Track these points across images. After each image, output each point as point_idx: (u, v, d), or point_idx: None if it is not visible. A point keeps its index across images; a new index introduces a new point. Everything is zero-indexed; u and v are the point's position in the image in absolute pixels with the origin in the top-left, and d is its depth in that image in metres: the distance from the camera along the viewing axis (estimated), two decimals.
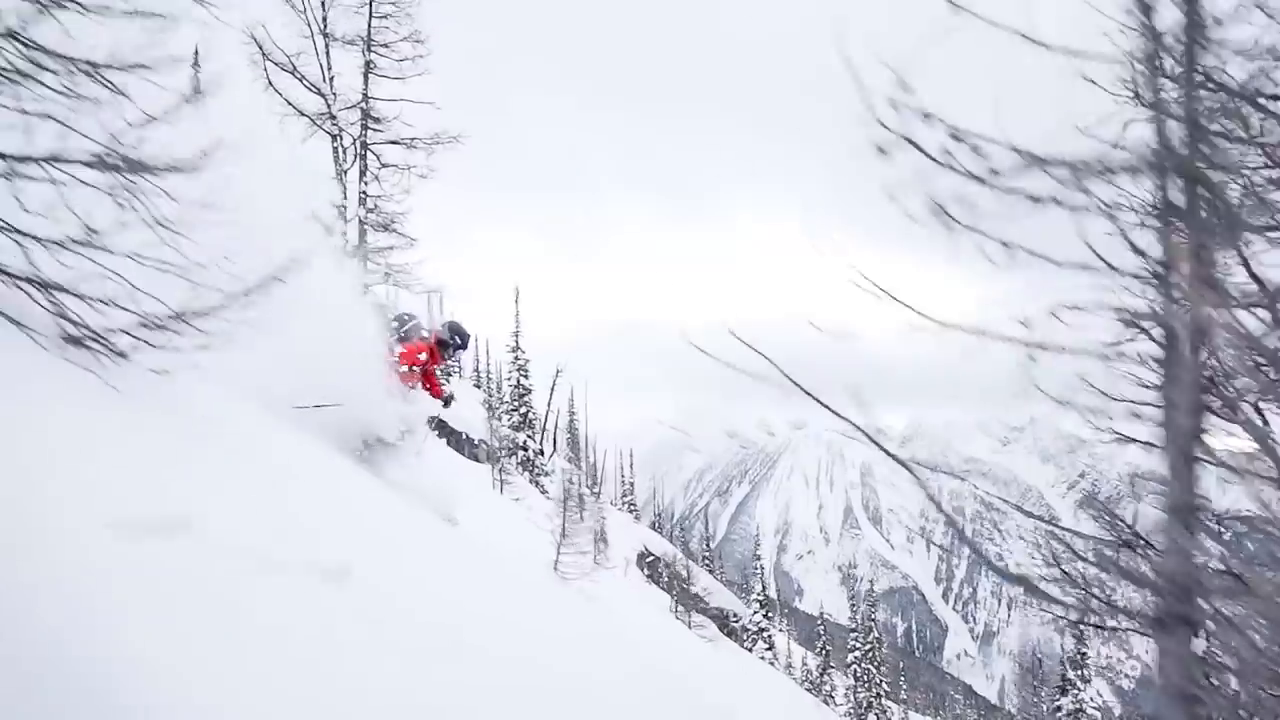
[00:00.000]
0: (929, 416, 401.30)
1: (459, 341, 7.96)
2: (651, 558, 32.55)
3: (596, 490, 36.70)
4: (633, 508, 37.06)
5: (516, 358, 25.93)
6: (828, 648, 38.76)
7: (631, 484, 38.94)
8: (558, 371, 28.01)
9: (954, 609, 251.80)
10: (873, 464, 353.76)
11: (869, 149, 2.05)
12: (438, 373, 8.16)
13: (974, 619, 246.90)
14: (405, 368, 7.26)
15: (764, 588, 33.29)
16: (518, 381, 25.81)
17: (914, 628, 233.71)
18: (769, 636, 29.01)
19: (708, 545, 45.79)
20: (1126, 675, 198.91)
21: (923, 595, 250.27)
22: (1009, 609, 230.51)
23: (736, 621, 31.21)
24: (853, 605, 46.20)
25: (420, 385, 7.61)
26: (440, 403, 7.81)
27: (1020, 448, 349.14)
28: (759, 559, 38.33)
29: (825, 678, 36.23)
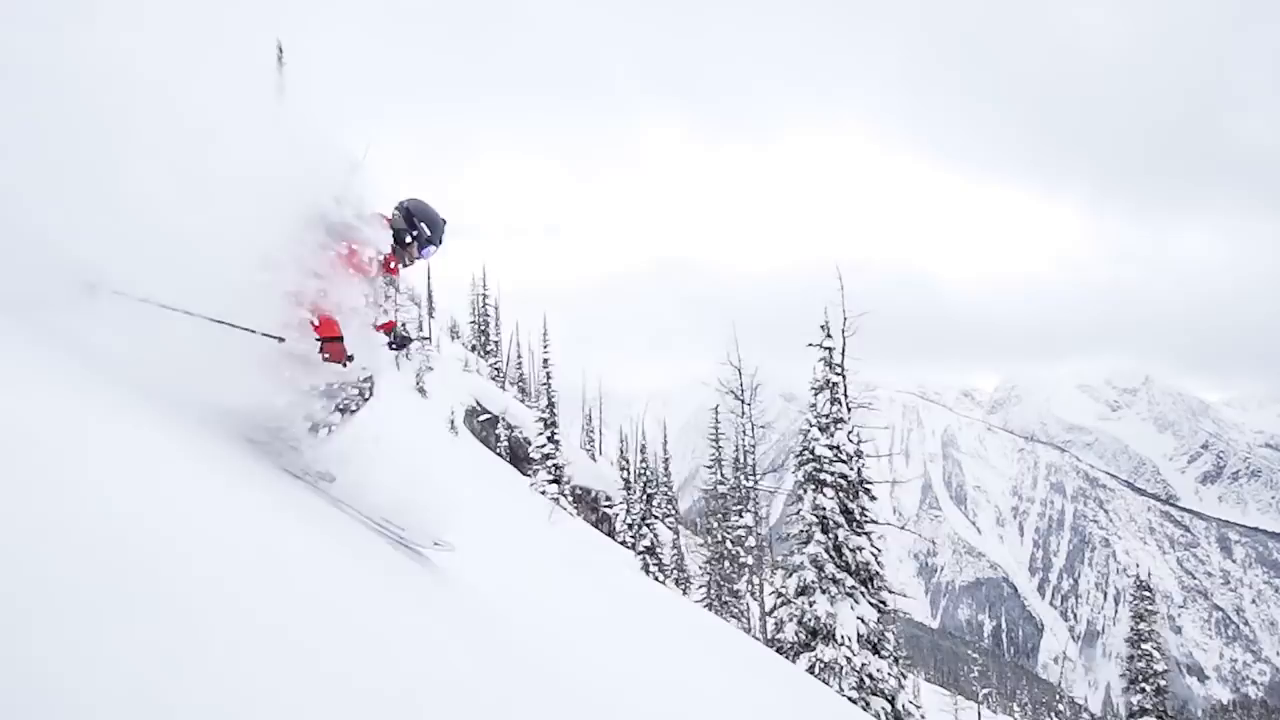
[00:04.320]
0: (1024, 376, 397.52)
1: (426, 232, 5.47)
2: (486, 415, 32.62)
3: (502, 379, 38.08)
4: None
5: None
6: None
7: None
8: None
9: (1051, 604, 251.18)
10: (956, 431, 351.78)
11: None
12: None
13: (1074, 616, 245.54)
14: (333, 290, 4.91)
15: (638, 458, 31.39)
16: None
17: (1004, 625, 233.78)
18: (652, 531, 27.19)
19: (589, 419, 45.16)
20: (1254, 682, 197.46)
21: (1014, 588, 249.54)
22: (1116, 604, 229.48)
23: (609, 507, 30.79)
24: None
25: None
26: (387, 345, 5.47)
27: (1132, 414, 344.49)
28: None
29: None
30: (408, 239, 5.34)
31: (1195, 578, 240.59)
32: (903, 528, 19.68)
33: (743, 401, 24.86)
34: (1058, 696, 43.06)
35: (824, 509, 16.15)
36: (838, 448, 16.70)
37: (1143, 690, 23.20)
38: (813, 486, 16.57)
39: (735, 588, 27.11)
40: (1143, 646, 23.23)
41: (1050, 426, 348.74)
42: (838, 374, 17.53)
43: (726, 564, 26.88)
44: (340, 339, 4.64)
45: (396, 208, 5.39)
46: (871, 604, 16.15)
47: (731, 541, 26.57)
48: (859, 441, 17.85)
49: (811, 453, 16.73)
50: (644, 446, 31.78)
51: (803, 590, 15.96)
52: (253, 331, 4.18)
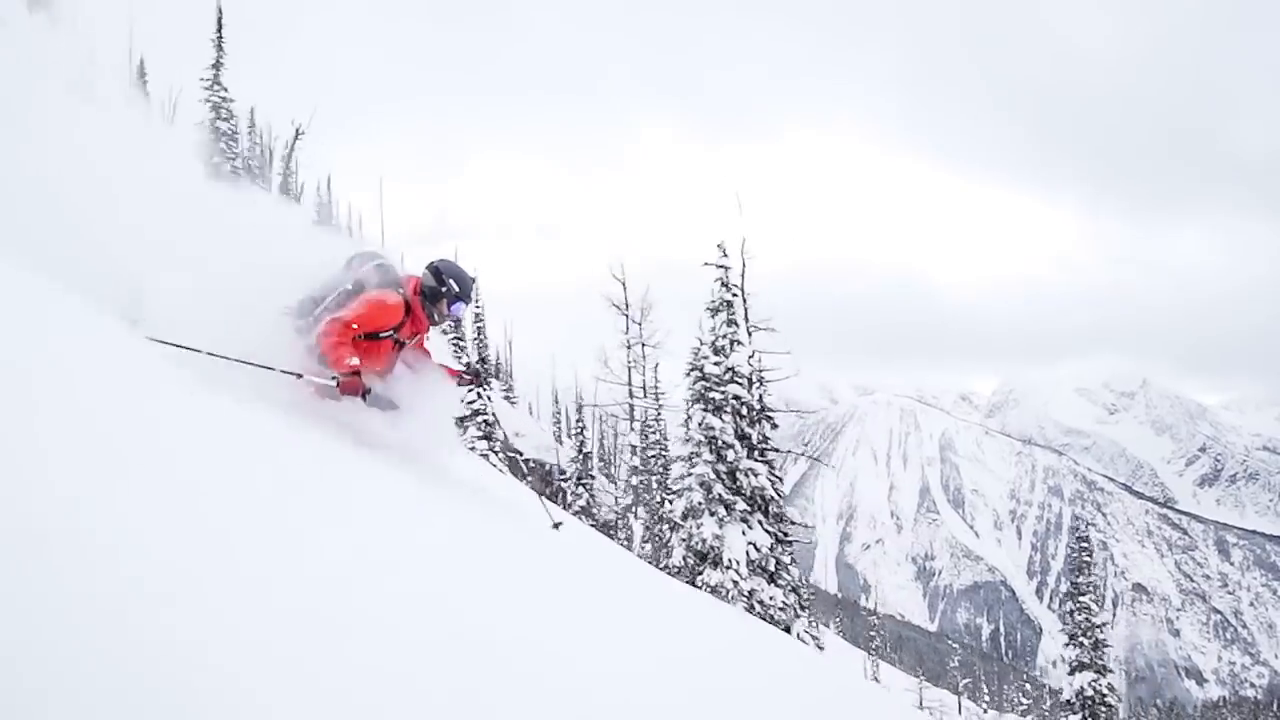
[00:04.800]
0: (1022, 379, 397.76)
1: (454, 289, 5.73)
2: None
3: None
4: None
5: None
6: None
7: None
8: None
9: (1049, 607, 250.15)
10: (954, 435, 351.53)
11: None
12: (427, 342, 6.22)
13: (1073, 619, 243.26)
14: (359, 337, 5.42)
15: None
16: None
17: (1002, 629, 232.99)
18: (589, 488, 27.24)
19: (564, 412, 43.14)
20: (1252, 685, 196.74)
21: (1013, 591, 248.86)
22: (1114, 607, 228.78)
23: (563, 479, 30.32)
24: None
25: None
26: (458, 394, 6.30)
27: (1130, 417, 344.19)
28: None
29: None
30: (439, 295, 5.74)
31: (1193, 580, 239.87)
32: (803, 454, 18.96)
33: (628, 318, 24.03)
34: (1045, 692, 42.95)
35: (713, 428, 15.53)
36: (733, 369, 16.00)
37: (1081, 645, 22.87)
38: (701, 405, 15.93)
39: (617, 510, 26.75)
40: (1080, 599, 22.95)
41: (1048, 430, 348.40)
42: (734, 294, 16.82)
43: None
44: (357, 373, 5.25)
45: (427, 268, 5.79)
46: (767, 531, 15.56)
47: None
48: (761, 368, 17.17)
49: (701, 371, 16.07)
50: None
51: (689, 513, 15.38)
52: (272, 369, 4.91)
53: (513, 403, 26.42)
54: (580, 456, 27.02)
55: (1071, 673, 23.01)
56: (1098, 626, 22.80)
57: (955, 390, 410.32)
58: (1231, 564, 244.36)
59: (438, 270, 5.72)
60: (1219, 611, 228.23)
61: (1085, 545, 23.94)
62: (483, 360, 37.93)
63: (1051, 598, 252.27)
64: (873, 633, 44.92)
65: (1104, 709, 22.13)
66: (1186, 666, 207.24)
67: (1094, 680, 22.26)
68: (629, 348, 24.87)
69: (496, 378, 41.75)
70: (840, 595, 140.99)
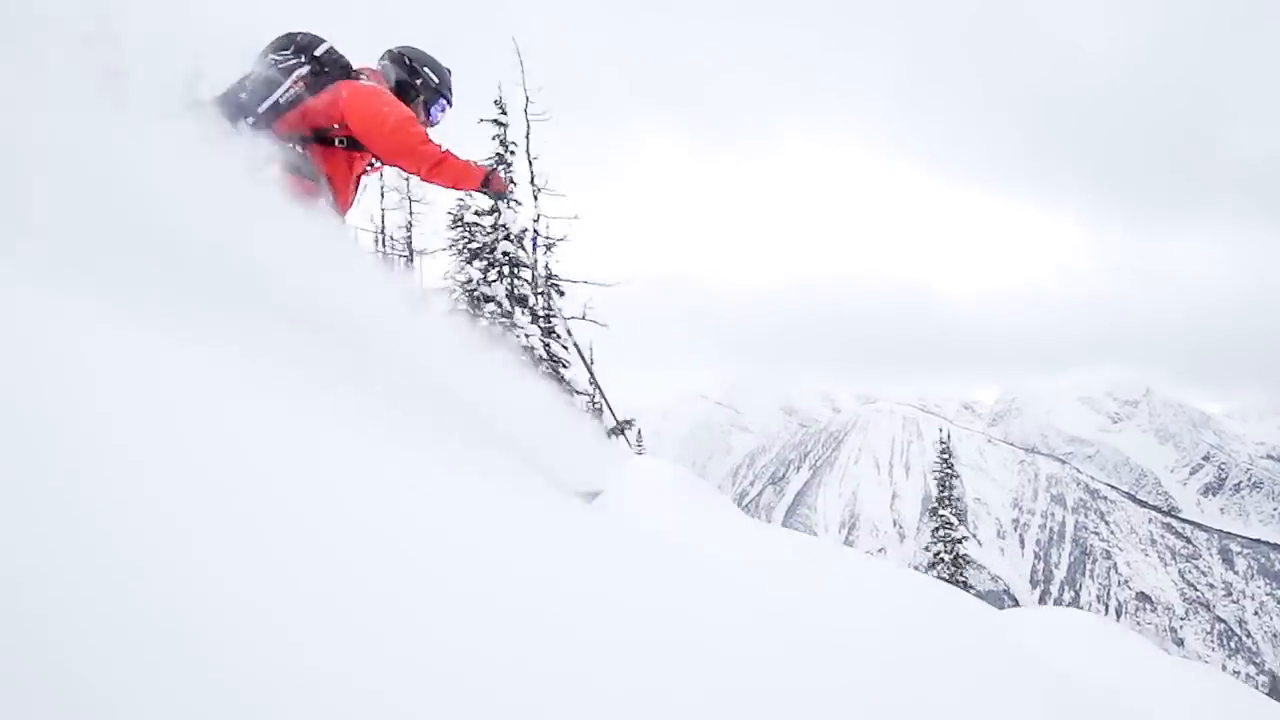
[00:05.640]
0: (1025, 388, 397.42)
1: (432, 81, 4.37)
2: None
3: None
4: None
5: None
6: None
7: None
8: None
9: None
10: (956, 444, 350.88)
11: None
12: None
13: (935, 535, 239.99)
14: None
15: None
16: None
17: None
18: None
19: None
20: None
21: (1016, 600, 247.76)
22: (1119, 615, 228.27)
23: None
24: None
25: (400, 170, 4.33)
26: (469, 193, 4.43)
27: (1133, 426, 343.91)
28: None
29: None
30: (414, 88, 4.33)
31: (1197, 589, 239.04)
32: (583, 318, 16.39)
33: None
34: None
35: (472, 280, 14.61)
36: (505, 226, 14.66)
37: (942, 560, 24.38)
38: (458, 254, 15.03)
39: None
40: (941, 513, 24.77)
41: (1051, 439, 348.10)
42: (512, 153, 15.51)
43: None
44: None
45: (386, 56, 4.37)
46: None
47: None
48: (549, 236, 15.77)
49: (461, 220, 15.13)
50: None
51: None
52: None
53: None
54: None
55: None
56: (959, 540, 24.47)
57: (958, 399, 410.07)
58: (1236, 573, 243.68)
59: (402, 58, 4.32)
60: (1223, 620, 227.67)
61: (947, 455, 26.15)
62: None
63: (1055, 606, 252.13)
64: None
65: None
66: None
67: None
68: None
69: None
70: None
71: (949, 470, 26.29)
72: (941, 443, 26.59)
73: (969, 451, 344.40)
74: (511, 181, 4.65)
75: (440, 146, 3.97)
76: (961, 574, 23.86)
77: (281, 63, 3.97)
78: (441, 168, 3.98)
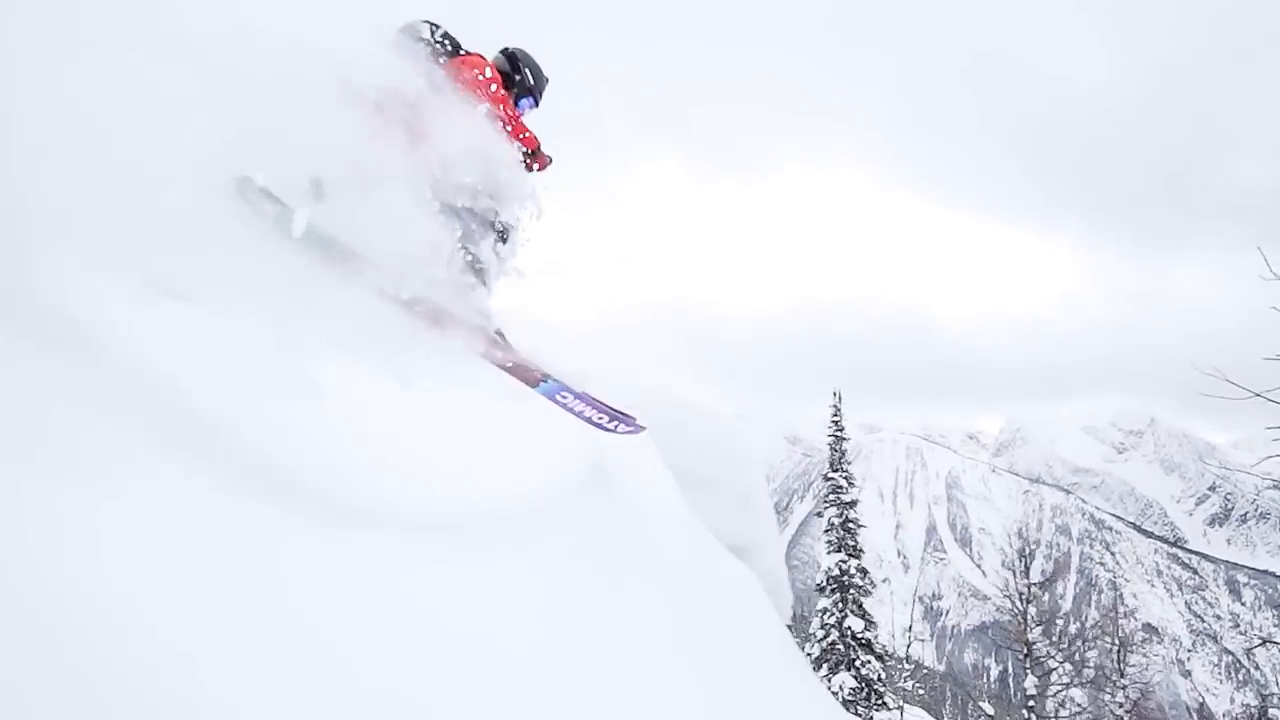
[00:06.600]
0: (1029, 418, 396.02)
1: (529, 81, 5.09)
2: None
3: None
4: None
5: None
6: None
7: None
8: None
9: (1059, 647, 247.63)
10: (960, 473, 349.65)
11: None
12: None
13: (1083, 658, 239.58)
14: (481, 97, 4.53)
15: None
16: None
17: (1010, 670, 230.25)
18: None
19: None
20: None
21: None
22: (1124, 648, 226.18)
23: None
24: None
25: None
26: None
27: (1138, 456, 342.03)
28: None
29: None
30: (513, 81, 5.01)
31: (1204, 621, 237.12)
32: None
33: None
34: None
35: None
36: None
37: (831, 525, 26.28)
38: None
39: None
40: (831, 477, 26.21)
41: (1056, 469, 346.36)
42: None
43: None
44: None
45: (501, 52, 5.05)
46: None
47: None
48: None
49: None
50: None
51: None
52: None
53: None
54: None
55: (828, 553, 26.32)
56: (850, 504, 26.27)
57: (962, 429, 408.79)
58: (1243, 604, 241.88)
59: (513, 56, 5.03)
60: (1230, 652, 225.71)
61: (839, 427, 26.40)
62: None
63: (1060, 637, 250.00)
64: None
65: (853, 589, 26.30)
66: (1199, 709, 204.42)
67: (842, 561, 26.28)
68: None
69: None
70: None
71: (840, 434, 26.70)
72: (834, 407, 26.83)
73: (973, 481, 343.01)
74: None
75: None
76: (852, 539, 26.04)
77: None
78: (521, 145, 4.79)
